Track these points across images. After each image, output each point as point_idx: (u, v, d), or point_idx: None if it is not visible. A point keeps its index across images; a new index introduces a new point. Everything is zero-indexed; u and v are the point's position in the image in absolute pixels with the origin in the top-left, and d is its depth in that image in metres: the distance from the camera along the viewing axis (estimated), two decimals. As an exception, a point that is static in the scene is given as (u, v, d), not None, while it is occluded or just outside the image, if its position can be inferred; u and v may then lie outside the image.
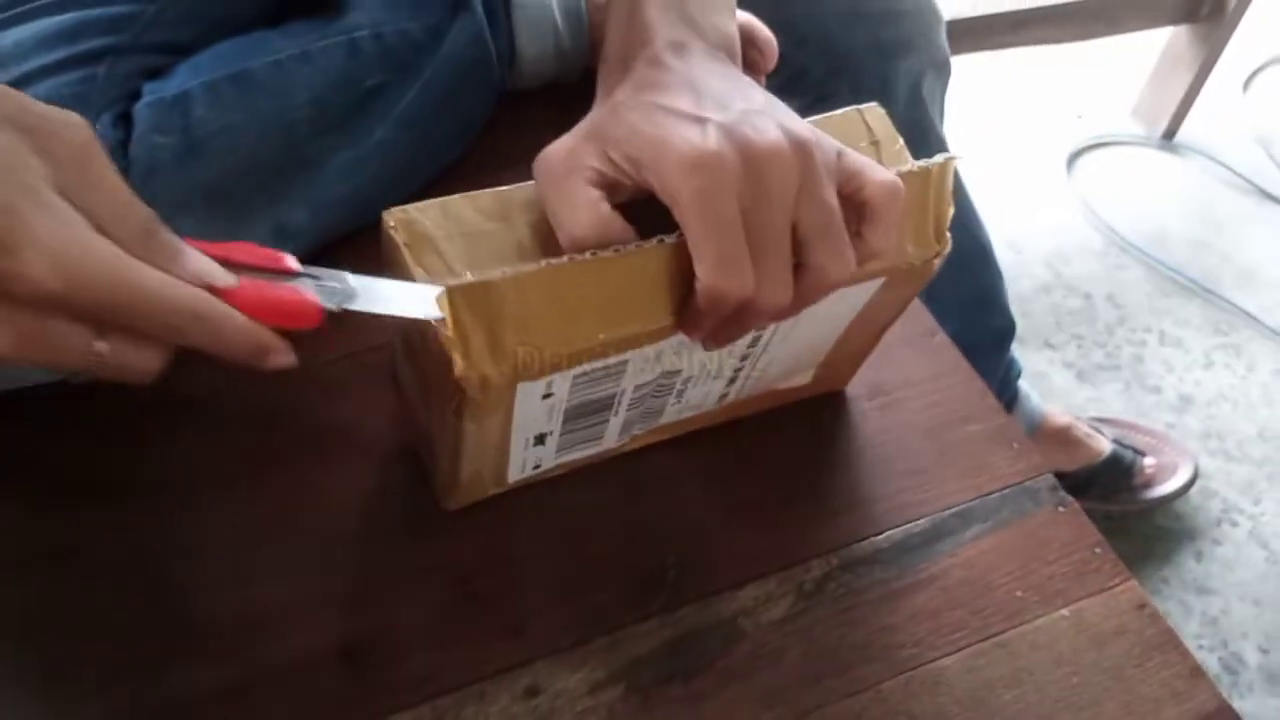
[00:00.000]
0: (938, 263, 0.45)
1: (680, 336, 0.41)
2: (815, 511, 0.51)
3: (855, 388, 0.56)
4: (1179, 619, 1.11)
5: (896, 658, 0.47)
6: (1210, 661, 1.09)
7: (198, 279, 0.33)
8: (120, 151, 0.49)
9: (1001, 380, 1.03)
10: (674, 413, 0.49)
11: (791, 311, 0.40)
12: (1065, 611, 0.49)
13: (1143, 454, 1.20)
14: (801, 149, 0.38)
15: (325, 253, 0.58)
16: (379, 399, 0.53)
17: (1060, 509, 0.53)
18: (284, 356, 0.35)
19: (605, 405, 0.45)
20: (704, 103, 0.39)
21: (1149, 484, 1.19)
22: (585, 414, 0.45)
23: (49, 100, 0.47)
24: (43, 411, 0.50)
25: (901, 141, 0.46)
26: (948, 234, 0.44)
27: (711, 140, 0.37)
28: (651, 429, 0.50)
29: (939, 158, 0.43)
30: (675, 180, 0.37)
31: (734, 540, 0.49)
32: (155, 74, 0.53)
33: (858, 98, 0.84)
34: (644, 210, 0.39)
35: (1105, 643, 0.48)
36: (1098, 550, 0.51)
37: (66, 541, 0.47)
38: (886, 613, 0.48)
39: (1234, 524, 1.21)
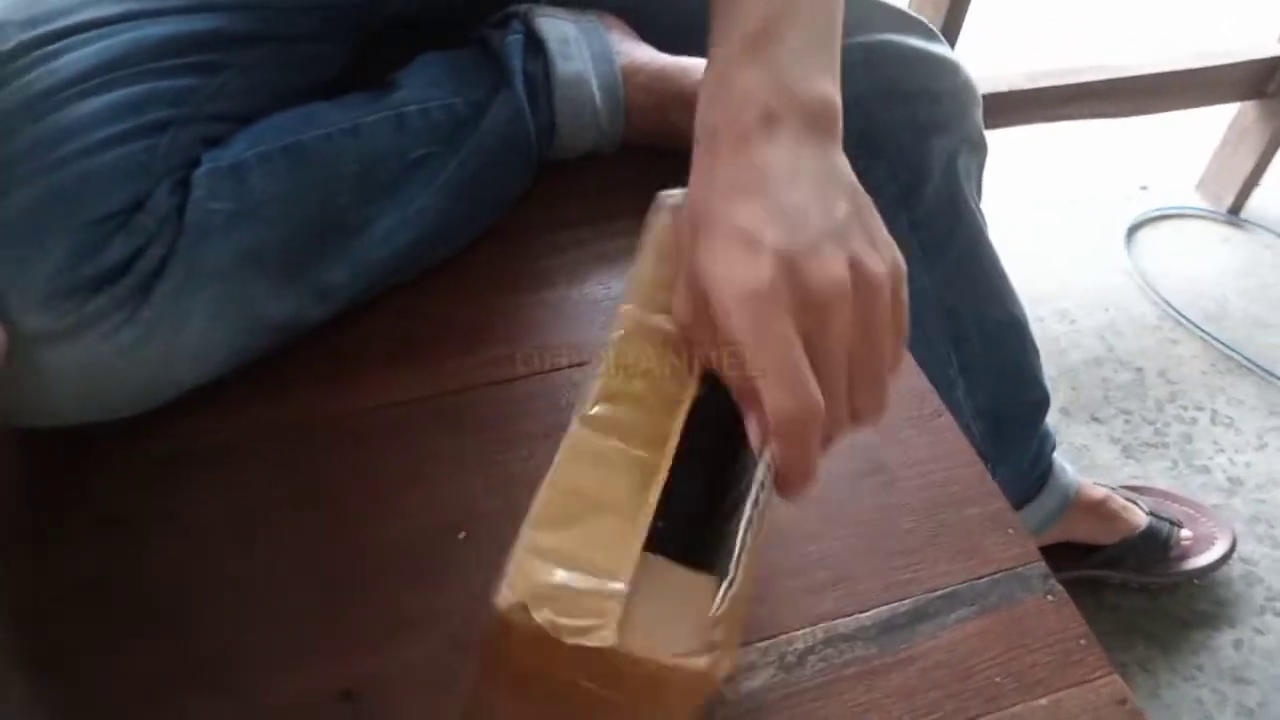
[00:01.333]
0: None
1: None
2: (801, 584, 0.52)
3: (855, 464, 0.58)
4: (1212, 708, 1.09)
5: (870, 736, 0.48)
6: (1244, 754, 1.06)
7: None
8: (176, 216, 0.53)
9: (1035, 453, 1.03)
10: None
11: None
12: (1043, 701, 0.50)
13: (1179, 525, 1.18)
14: (865, 286, 0.39)
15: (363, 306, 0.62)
16: (393, 450, 0.56)
17: (1049, 597, 0.54)
18: None
19: None
20: (777, 221, 0.39)
21: (1185, 555, 1.18)
22: None
23: (115, 169, 0.52)
24: (75, 450, 0.55)
25: None
26: None
27: (765, 275, 0.38)
28: None
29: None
30: (730, 318, 0.38)
31: (721, 608, 0.51)
32: (214, 142, 0.57)
33: (894, 174, 0.86)
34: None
35: (1081, 735, 0.49)
36: (1082, 641, 0.52)
37: (90, 575, 0.51)
38: (864, 690, 0.49)
39: (1278, 614, 1.18)
